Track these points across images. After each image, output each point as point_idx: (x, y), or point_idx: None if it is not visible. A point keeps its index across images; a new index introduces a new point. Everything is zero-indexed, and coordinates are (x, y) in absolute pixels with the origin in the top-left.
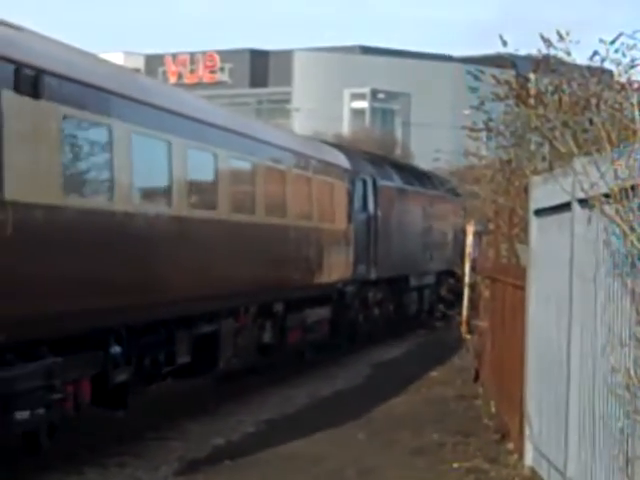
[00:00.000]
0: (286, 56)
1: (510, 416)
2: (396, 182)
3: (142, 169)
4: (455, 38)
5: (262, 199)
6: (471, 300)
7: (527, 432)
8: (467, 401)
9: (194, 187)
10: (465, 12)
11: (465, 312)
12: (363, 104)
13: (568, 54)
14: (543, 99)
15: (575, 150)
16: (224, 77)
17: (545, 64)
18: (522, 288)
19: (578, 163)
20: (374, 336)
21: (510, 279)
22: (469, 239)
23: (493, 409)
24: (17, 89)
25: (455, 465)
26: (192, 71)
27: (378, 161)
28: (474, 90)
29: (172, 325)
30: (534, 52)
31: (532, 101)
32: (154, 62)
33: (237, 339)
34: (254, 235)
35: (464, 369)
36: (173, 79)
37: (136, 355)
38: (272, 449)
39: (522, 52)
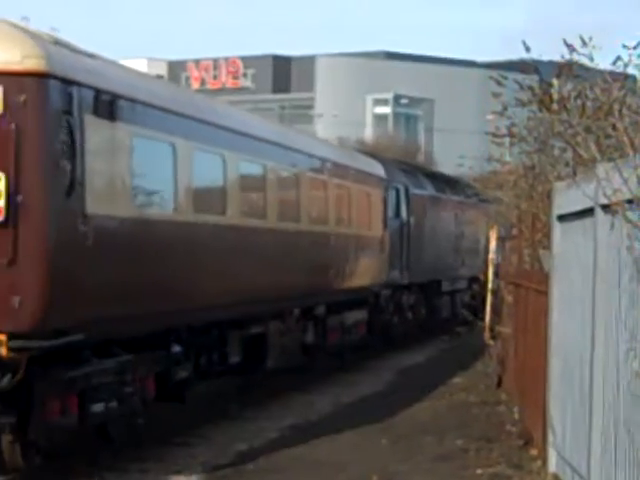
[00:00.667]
0: (309, 61)
1: (533, 422)
2: (428, 190)
3: (202, 182)
4: (479, 44)
5: (306, 208)
6: (494, 306)
7: (550, 438)
8: (490, 407)
9: (246, 197)
10: (490, 18)
11: (488, 318)
12: (386, 109)
13: (591, 59)
14: (566, 104)
15: (598, 156)
16: (247, 83)
17: (568, 69)
18: (545, 293)
19: (601, 169)
20: (407, 339)
21: (533, 284)
22: (492, 244)
23: (516, 415)
24: (96, 113)
25: (478, 471)
26: (215, 77)
27: (411, 170)
28: (497, 95)
29: (225, 327)
30: (557, 58)
31: (555, 106)
32: (177, 68)
33: (283, 340)
34: (299, 242)
35: (487, 375)
36: (196, 85)
37: (194, 354)
38: (295, 455)
39: (545, 58)
